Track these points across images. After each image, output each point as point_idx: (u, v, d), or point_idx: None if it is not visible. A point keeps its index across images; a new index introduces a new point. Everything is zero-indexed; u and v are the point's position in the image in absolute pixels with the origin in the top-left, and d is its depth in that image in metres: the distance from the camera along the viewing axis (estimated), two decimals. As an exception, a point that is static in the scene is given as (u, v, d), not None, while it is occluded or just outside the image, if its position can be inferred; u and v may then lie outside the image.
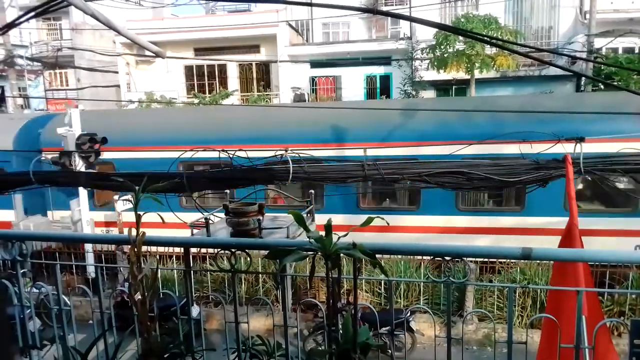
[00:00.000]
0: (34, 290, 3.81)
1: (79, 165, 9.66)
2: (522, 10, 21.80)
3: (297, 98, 22.16)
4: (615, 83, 15.02)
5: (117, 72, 24.52)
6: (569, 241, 3.89)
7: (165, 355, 2.29)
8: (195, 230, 7.25)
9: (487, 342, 8.66)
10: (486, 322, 9.02)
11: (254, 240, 3.49)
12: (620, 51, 18.59)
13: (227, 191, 7.40)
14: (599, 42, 18.02)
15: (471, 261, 9.00)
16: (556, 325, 2.83)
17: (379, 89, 22.70)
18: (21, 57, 24.88)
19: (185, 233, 6.60)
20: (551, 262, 5.62)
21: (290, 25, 23.41)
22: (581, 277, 3.50)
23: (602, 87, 17.01)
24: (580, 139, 4.63)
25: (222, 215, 5.78)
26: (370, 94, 22.88)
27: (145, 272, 2.23)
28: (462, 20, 17.46)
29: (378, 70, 22.68)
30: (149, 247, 2.59)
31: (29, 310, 3.11)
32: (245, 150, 5.13)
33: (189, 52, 23.57)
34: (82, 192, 10.60)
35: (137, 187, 2.28)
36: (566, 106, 9.88)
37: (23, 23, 3.04)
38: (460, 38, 16.67)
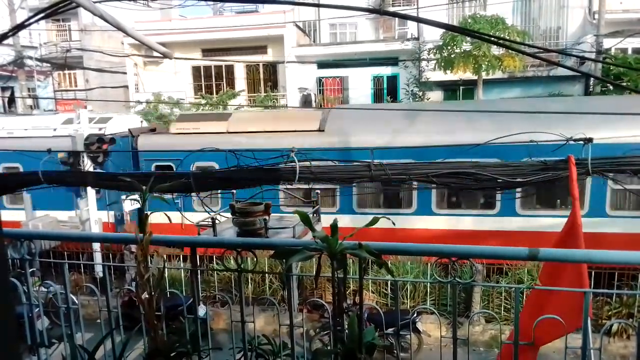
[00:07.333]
0: (43, 289, 3.85)
1: (87, 165, 9.76)
2: (530, 11, 21.67)
3: (304, 99, 22.17)
4: (624, 84, 14.91)
5: (125, 73, 24.65)
6: (571, 241, 3.88)
7: (172, 354, 2.30)
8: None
9: (493, 343, 8.63)
10: (493, 323, 8.98)
11: (261, 240, 3.51)
12: (629, 51, 18.41)
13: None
14: (608, 43, 17.87)
15: (478, 262, 8.97)
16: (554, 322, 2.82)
17: (386, 89, 22.65)
18: (30, 58, 25.06)
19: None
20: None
21: (298, 26, 23.42)
22: (585, 278, 3.48)
23: (610, 87, 16.89)
24: (589, 140, 4.61)
25: (229, 215, 5.80)
26: (378, 94, 22.84)
27: (152, 271, 2.25)
28: (470, 20, 17.40)
29: (385, 71, 22.63)
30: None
31: (38, 309, 3.14)
32: (252, 151, 5.15)
33: (197, 53, 23.65)
34: (90, 192, 10.69)
35: (144, 187, 2.30)
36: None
37: (32, 24, 3.07)
38: (467, 38, 16.60)
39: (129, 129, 12.00)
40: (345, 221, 9.87)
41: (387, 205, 11.13)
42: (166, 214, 2.81)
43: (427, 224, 10.32)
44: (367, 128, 10.52)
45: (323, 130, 10.83)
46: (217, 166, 10.35)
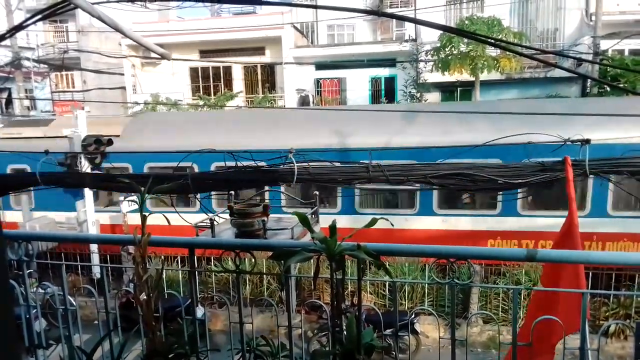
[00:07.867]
0: (40, 290, 3.84)
1: (85, 166, 9.75)
2: (527, 12, 21.73)
3: (302, 100, 22.17)
4: (621, 85, 14.95)
5: (123, 74, 24.62)
6: (569, 241, 3.89)
7: (170, 356, 2.30)
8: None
9: (491, 344, 8.64)
10: (491, 324, 9.00)
11: (259, 241, 3.51)
12: (626, 53, 18.46)
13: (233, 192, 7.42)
14: (605, 44, 17.93)
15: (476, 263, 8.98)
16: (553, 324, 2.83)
17: (384, 90, 22.68)
18: (28, 59, 25.03)
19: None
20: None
21: (295, 28, 23.43)
22: (582, 279, 3.49)
23: (607, 89, 16.94)
24: (586, 141, 4.63)
25: (227, 216, 5.79)
26: (375, 96, 22.86)
27: (150, 272, 2.25)
28: (466, 22, 17.43)
29: (383, 72, 22.65)
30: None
31: (35, 310, 3.13)
32: (250, 152, 5.14)
33: (195, 54, 23.63)
34: (88, 193, 10.67)
35: (142, 188, 2.30)
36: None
37: (30, 25, 3.07)
38: (465, 40, 16.63)
39: None
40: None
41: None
42: (165, 216, 2.81)
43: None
44: (162, 131, 12.14)
45: (119, 135, 12.08)
46: (28, 168, 10.64)
